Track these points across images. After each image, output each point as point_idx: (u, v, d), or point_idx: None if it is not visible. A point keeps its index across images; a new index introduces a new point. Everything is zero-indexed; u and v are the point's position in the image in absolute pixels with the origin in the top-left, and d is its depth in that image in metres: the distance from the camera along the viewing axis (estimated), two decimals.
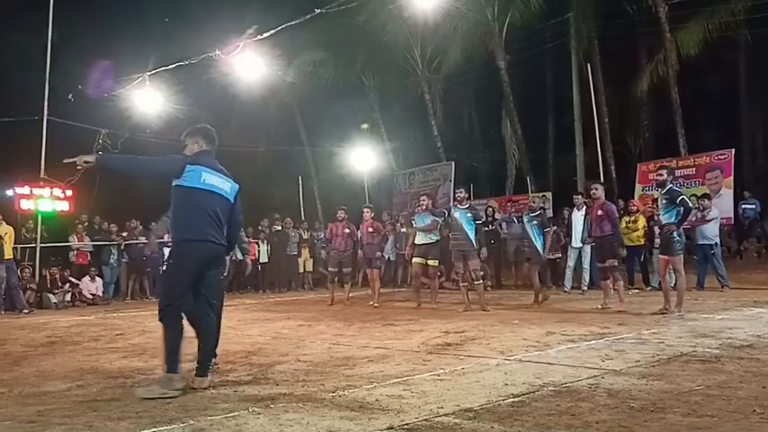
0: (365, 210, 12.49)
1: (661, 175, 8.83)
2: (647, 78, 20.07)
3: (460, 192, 10.87)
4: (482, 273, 10.67)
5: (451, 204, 11.34)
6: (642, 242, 12.85)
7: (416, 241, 11.42)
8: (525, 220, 11.11)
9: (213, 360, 5.09)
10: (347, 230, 12.27)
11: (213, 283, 5.12)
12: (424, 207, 11.57)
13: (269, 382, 5.10)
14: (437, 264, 11.58)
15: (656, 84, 19.90)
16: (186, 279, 4.88)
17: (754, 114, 22.84)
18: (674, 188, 8.86)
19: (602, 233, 9.71)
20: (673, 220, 8.53)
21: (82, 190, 16.04)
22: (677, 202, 8.48)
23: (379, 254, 12.63)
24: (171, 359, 4.74)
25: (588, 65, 14.48)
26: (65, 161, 5.05)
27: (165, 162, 5.05)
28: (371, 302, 11.60)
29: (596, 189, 9.94)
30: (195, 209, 4.89)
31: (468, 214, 10.38)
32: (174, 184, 4.91)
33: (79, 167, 4.71)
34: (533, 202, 11.93)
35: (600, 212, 9.69)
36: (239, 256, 17.52)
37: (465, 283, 10.45)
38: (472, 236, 10.31)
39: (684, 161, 16.27)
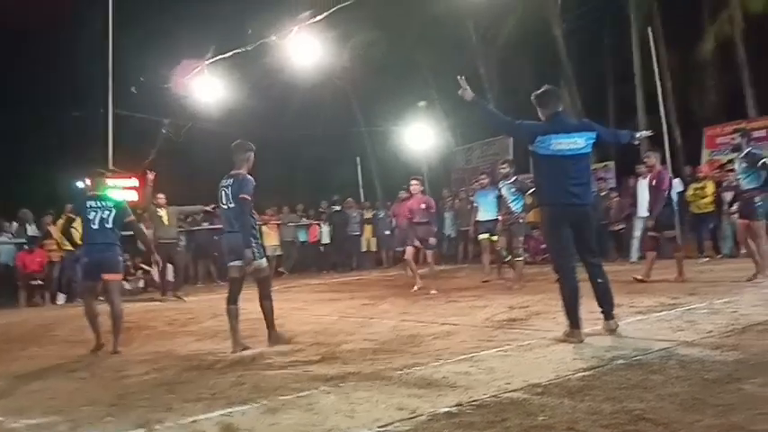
0: (414, 182, 11.02)
1: (734, 139, 8.57)
2: (712, 39, 19.30)
3: (504, 167, 10.48)
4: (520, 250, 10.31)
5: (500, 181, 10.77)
6: (712, 209, 12.47)
7: (479, 218, 11.27)
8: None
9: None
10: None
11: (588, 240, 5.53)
12: (484, 184, 11.41)
13: (337, 361, 5.19)
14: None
15: (721, 44, 19.13)
16: (561, 239, 5.39)
17: None
18: (754, 150, 8.52)
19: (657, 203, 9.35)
20: (755, 184, 8.21)
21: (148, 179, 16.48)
22: (759, 164, 8.17)
23: (432, 239, 11.32)
24: (570, 316, 5.33)
25: (649, 28, 14.00)
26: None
27: (520, 129, 5.54)
28: (416, 287, 10.43)
29: (648, 157, 9.57)
30: (552, 175, 5.35)
31: (513, 189, 10.11)
32: (530, 149, 5.42)
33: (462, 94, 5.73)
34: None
35: (654, 182, 9.37)
36: (300, 239, 17.89)
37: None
38: (518, 210, 10.08)
39: (755, 123, 15.63)
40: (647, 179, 9.79)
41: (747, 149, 8.41)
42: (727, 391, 3.50)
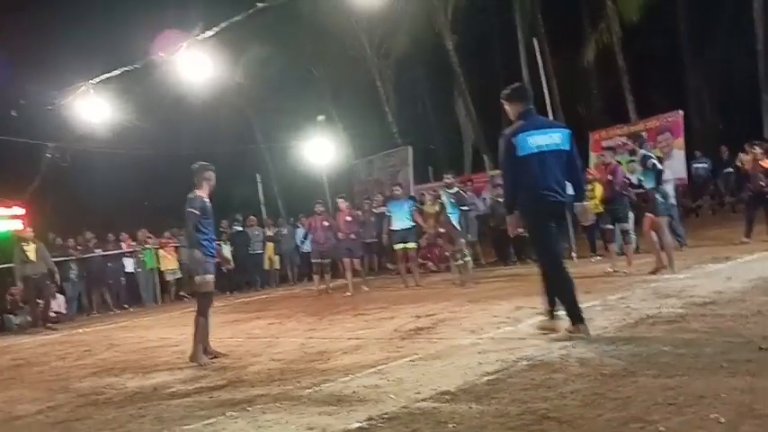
0: (339, 200, 12.51)
1: (627, 144, 9.11)
2: (593, 47, 20.35)
3: (448, 177, 11.20)
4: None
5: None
6: (601, 209, 13.02)
7: (393, 227, 11.68)
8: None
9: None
10: (326, 223, 12.33)
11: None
12: (398, 195, 12.25)
13: (244, 384, 5.07)
14: (416, 247, 11.98)
15: (602, 52, 20.19)
16: (546, 233, 5.34)
17: (697, 74, 23.24)
18: (646, 153, 9.05)
19: (612, 196, 10.01)
20: (652, 184, 8.76)
21: (33, 207, 15.63)
22: (648, 166, 8.74)
23: (359, 249, 12.65)
24: (574, 311, 5.17)
25: (534, 38, 14.57)
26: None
27: (507, 161, 5.34)
28: (347, 293, 11.51)
29: (603, 156, 10.22)
30: (533, 173, 5.20)
31: (453, 200, 10.65)
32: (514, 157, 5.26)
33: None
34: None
35: (609, 177, 9.93)
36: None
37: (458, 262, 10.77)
38: (455, 220, 10.57)
39: (635, 126, 16.54)
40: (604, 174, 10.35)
41: (642, 153, 8.94)
42: (624, 385, 3.64)
